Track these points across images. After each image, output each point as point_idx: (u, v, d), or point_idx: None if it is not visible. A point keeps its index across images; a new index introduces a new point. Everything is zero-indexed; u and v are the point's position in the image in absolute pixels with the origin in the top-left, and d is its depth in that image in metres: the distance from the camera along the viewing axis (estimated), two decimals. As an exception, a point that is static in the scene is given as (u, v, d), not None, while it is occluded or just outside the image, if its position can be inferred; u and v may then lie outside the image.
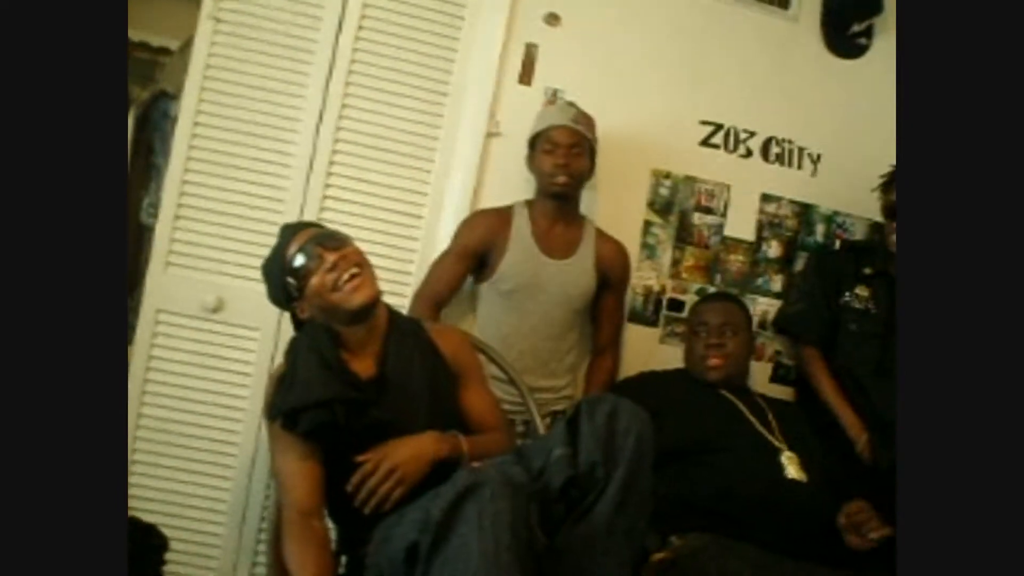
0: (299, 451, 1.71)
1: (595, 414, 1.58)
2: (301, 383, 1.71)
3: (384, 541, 1.59)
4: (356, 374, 1.77)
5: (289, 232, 1.86)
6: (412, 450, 1.71)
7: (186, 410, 2.42)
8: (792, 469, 2.12)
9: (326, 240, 1.79)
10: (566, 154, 2.37)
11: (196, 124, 2.45)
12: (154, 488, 2.39)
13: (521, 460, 1.62)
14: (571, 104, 2.46)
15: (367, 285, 1.77)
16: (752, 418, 2.24)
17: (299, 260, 1.76)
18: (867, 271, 2.62)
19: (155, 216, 2.54)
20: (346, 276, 1.74)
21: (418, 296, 2.40)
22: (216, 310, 2.44)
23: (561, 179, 2.38)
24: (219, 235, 2.47)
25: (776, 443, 2.18)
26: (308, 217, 2.44)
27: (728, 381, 2.36)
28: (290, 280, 1.78)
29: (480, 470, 1.49)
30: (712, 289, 2.75)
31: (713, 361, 2.36)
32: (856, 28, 2.87)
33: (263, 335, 2.46)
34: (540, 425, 2.14)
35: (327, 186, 2.52)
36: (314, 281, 1.75)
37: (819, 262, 2.73)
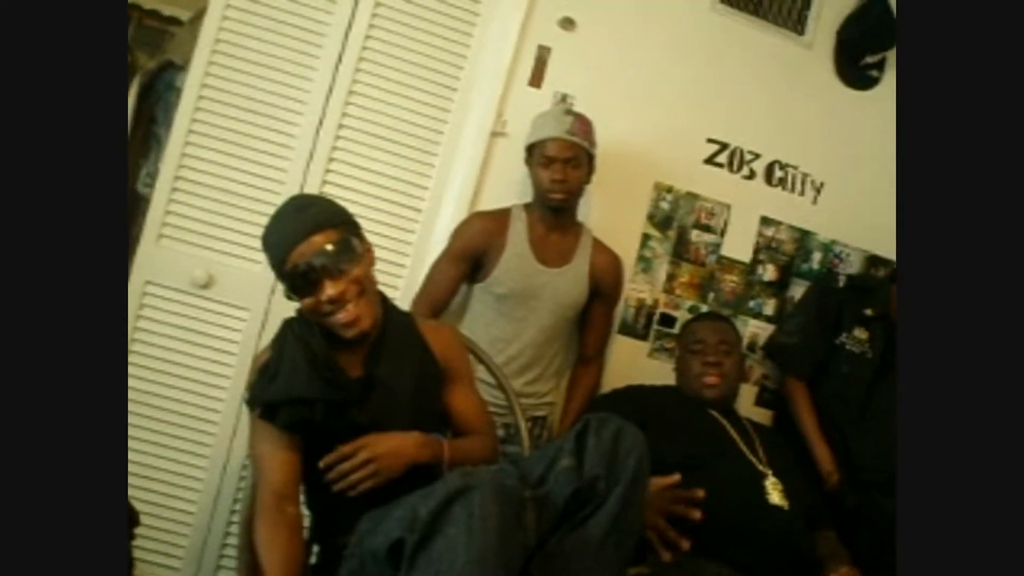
0: (277, 441, 1.69)
1: (602, 431, 1.60)
2: (284, 376, 1.67)
3: (368, 534, 1.57)
4: (344, 370, 1.72)
5: (298, 223, 1.66)
6: (393, 447, 1.69)
7: (167, 384, 2.40)
8: (775, 495, 2.11)
9: (332, 269, 1.64)
10: (563, 168, 2.34)
11: (200, 98, 2.43)
12: (129, 461, 2.36)
13: (520, 467, 1.62)
14: (568, 111, 2.41)
15: (364, 318, 1.69)
16: (739, 441, 2.23)
17: (298, 272, 1.64)
18: (868, 312, 2.61)
19: (151, 186, 2.51)
20: (341, 314, 1.66)
21: (416, 303, 2.38)
22: (206, 286, 2.41)
23: (558, 196, 2.36)
24: (215, 211, 2.44)
25: (761, 468, 2.17)
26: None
27: (719, 401, 2.35)
28: (284, 283, 1.69)
29: (472, 473, 1.48)
30: (704, 308, 2.75)
31: (710, 379, 2.35)
32: (869, 60, 2.88)
33: (252, 315, 2.44)
34: (524, 430, 2.12)
35: (328, 171, 2.50)
36: (308, 302, 1.66)
37: (821, 297, 2.71)
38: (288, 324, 1.79)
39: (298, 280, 1.65)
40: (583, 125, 2.38)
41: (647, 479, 1.62)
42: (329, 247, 1.64)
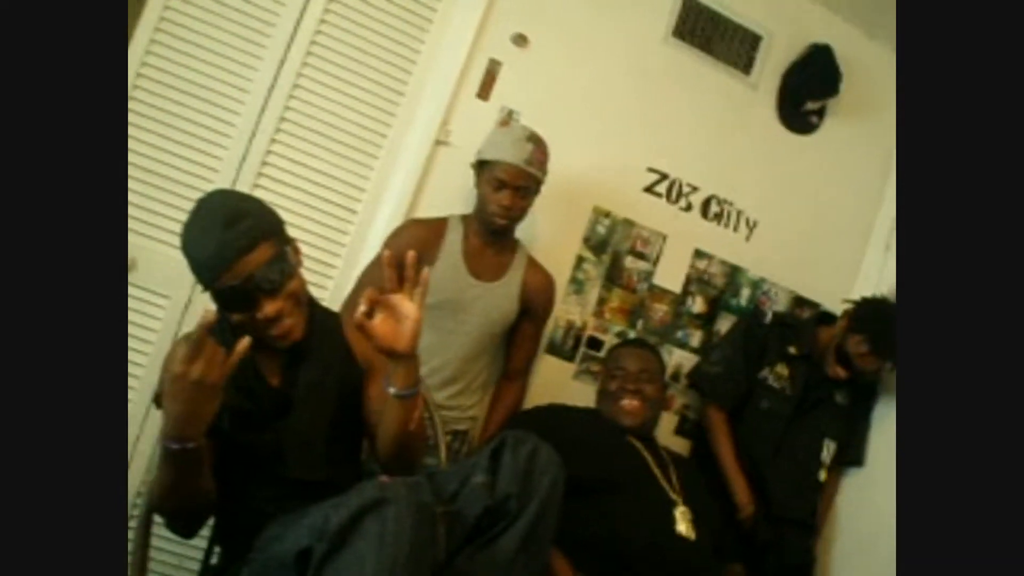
0: None
1: (518, 450, 1.58)
2: None
3: (276, 539, 1.52)
4: (263, 378, 1.66)
5: (231, 238, 1.51)
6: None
7: (76, 368, 2.30)
8: (683, 525, 2.13)
9: (270, 287, 1.55)
10: (512, 195, 2.31)
11: (139, 75, 2.36)
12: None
13: (434, 481, 1.59)
14: (529, 138, 2.33)
15: (297, 328, 1.62)
16: (655, 468, 2.25)
17: (233, 290, 1.53)
18: (792, 350, 2.67)
19: (79, 162, 2.42)
20: (275, 329, 1.58)
21: (346, 308, 2.32)
22: (128, 270, 2.33)
23: (501, 221, 2.34)
24: (143, 193, 2.37)
25: (673, 496, 2.19)
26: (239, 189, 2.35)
27: (638, 429, 2.36)
28: (214, 298, 1.58)
29: (388, 486, 1.43)
30: (632, 334, 2.77)
31: (629, 406, 2.37)
32: (810, 106, 2.95)
33: (172, 304, 2.36)
34: (442, 443, 2.09)
35: (264, 164, 2.45)
36: (241, 318, 1.57)
37: (747, 330, 2.76)
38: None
39: (231, 298, 1.55)
40: (540, 154, 2.34)
41: (560, 500, 1.60)
42: (265, 265, 1.54)
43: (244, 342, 1.42)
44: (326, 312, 1.83)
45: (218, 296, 1.57)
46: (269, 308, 1.56)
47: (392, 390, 1.56)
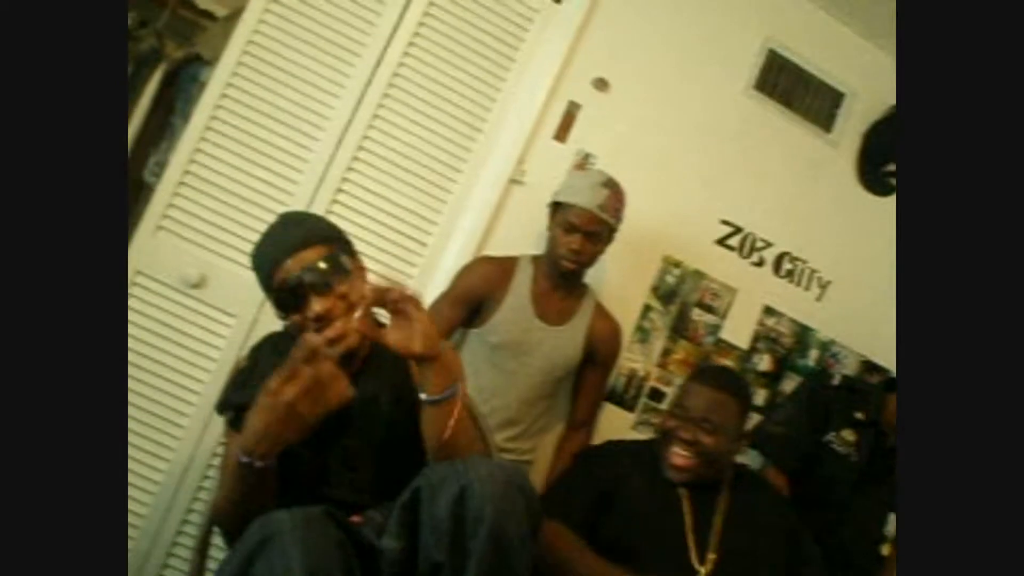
0: None
1: (437, 499, 1.32)
2: (257, 384, 1.57)
3: None
4: None
5: (288, 238, 1.61)
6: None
7: (139, 379, 2.30)
8: None
9: (319, 285, 1.57)
10: (582, 240, 2.28)
11: (223, 96, 2.39)
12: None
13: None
14: (606, 184, 2.30)
15: (351, 334, 1.58)
16: (690, 532, 2.01)
17: (286, 287, 1.57)
18: (859, 416, 2.58)
19: (159, 176, 2.45)
20: (328, 331, 1.56)
21: None
22: (197, 286, 2.35)
23: (570, 265, 2.32)
24: (218, 211, 2.39)
25: (696, 565, 1.95)
26: (313, 216, 2.36)
27: (686, 482, 2.07)
28: (271, 299, 1.63)
29: (270, 522, 1.32)
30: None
31: (677, 458, 2.05)
32: (891, 167, 2.88)
33: (238, 323, 2.37)
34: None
35: (339, 190, 2.46)
36: (296, 318, 1.59)
37: (813, 393, 2.65)
38: (269, 336, 1.76)
39: (285, 296, 1.58)
40: (616, 200, 2.31)
41: (519, 545, 1.31)
42: (318, 263, 1.58)
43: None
44: None
45: (276, 298, 1.61)
46: (317, 306, 1.56)
47: (423, 396, 1.49)
